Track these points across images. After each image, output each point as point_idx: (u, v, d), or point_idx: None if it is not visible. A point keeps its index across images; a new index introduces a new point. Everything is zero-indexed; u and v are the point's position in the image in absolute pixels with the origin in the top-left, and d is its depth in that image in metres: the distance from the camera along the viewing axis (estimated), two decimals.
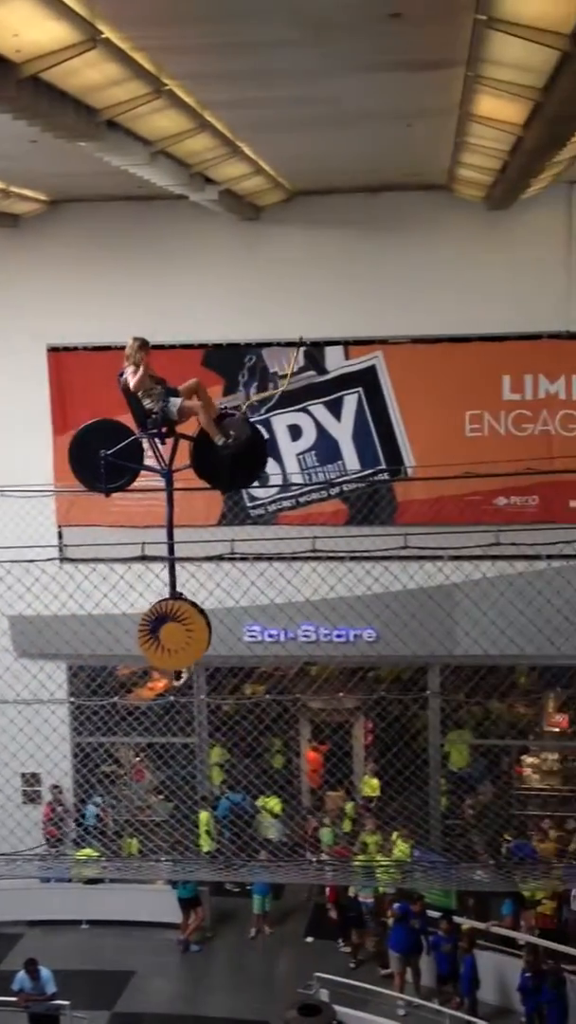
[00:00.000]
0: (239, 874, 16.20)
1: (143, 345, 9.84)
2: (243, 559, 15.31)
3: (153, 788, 20.89)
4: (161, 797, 20.57)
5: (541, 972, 15.24)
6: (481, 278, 18.27)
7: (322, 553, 15.64)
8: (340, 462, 19.04)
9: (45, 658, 17.62)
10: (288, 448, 18.85)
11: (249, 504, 19.16)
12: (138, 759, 21.03)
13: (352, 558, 15.65)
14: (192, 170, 14.06)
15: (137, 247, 18.94)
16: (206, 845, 18.45)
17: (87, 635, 16.16)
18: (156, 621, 9.86)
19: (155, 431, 9.86)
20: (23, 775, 19.62)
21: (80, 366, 19.27)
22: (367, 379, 18.83)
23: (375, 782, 19.53)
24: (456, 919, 16.51)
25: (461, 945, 15.99)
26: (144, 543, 15.07)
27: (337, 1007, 15.26)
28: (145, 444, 10.27)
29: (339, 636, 18.66)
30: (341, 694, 18.74)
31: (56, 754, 17.08)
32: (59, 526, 19.34)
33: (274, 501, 19.21)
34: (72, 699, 19.32)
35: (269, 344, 18.91)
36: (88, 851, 18.34)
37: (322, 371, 18.91)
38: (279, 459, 18.76)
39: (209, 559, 13.59)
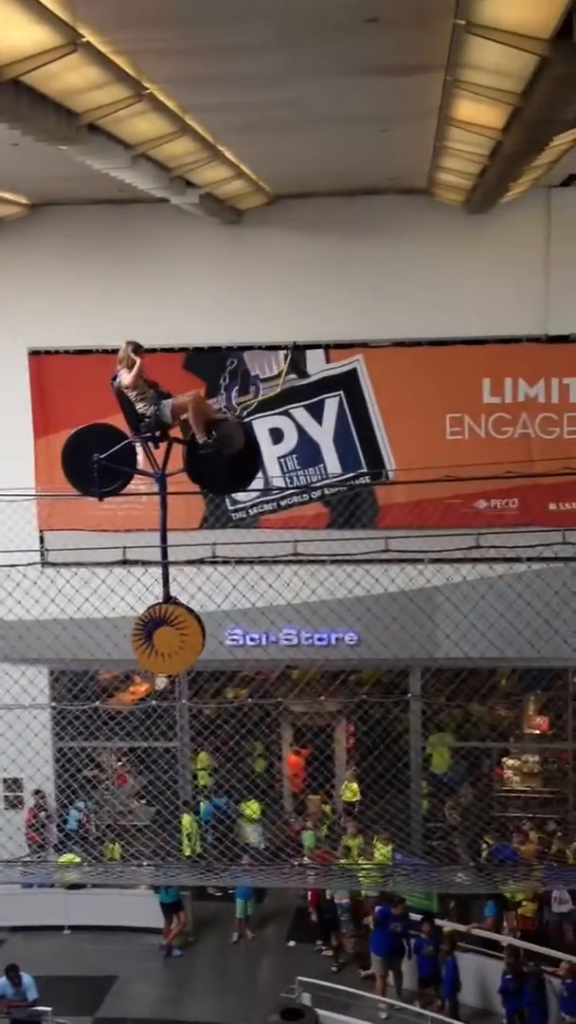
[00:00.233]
0: (221, 878, 16.18)
1: (137, 348, 9.83)
2: (224, 563, 15.31)
3: (135, 792, 20.85)
4: (143, 801, 20.53)
5: (522, 974, 15.28)
6: (461, 282, 18.36)
7: (303, 556, 15.67)
8: (321, 465, 19.08)
9: (26, 662, 17.55)
10: (269, 451, 18.86)
11: (230, 508, 19.17)
12: (120, 763, 20.99)
13: (333, 561, 15.70)
14: (173, 174, 14.08)
15: (118, 251, 18.94)
16: (188, 849, 18.43)
17: (69, 639, 16.12)
18: (150, 625, 9.81)
19: (148, 435, 9.85)
20: (4, 780, 19.58)
21: (62, 369, 19.27)
22: (348, 382, 18.88)
23: (355, 786, 19.57)
24: (438, 922, 16.54)
25: (443, 948, 16.02)
26: (125, 547, 15.08)
27: (319, 1011, 15.25)
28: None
29: (320, 639, 18.69)
30: (323, 697, 18.75)
31: (38, 759, 17.02)
32: (41, 530, 19.29)
33: (255, 505, 19.22)
34: (54, 703, 19.27)
35: (251, 347, 18.95)
36: (70, 856, 18.28)
37: (303, 374, 18.95)
38: (260, 462, 18.77)
39: (191, 563, 13.58)
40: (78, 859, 17.97)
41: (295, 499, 19.22)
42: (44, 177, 15.62)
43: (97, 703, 18.19)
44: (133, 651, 9.96)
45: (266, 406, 18.78)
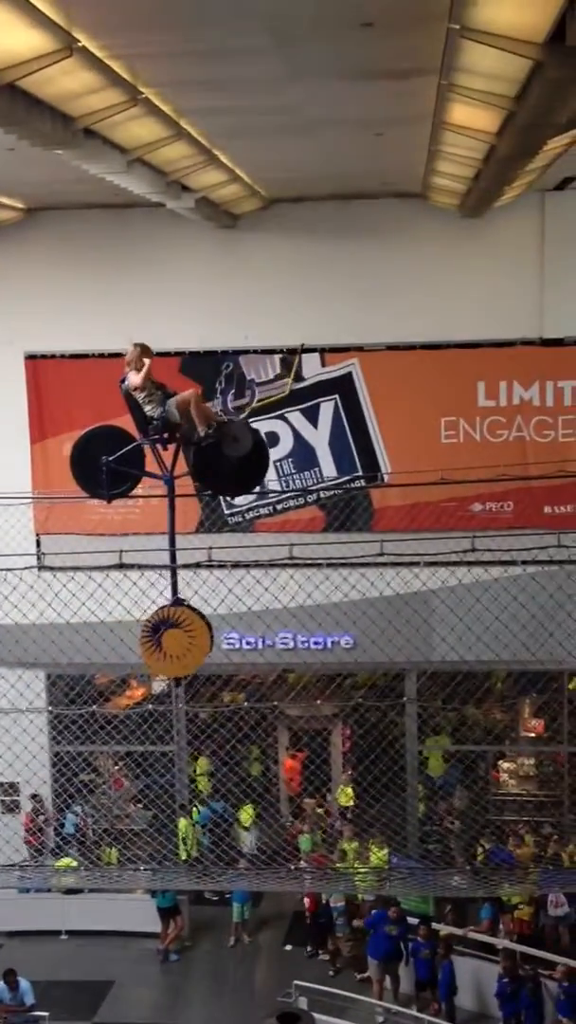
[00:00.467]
0: (218, 882, 16.18)
1: (145, 350, 9.85)
2: (220, 566, 15.33)
3: (132, 797, 20.84)
4: (140, 806, 20.52)
5: (518, 977, 15.28)
6: (455, 285, 18.41)
7: (299, 560, 15.68)
8: (317, 469, 19.10)
9: (23, 666, 17.54)
10: None
11: (226, 511, 19.19)
12: (117, 768, 20.98)
13: (329, 565, 15.72)
14: (169, 178, 14.11)
15: (114, 255, 18.97)
16: (184, 854, 18.42)
17: (65, 643, 16.12)
18: (157, 627, 9.81)
19: (156, 437, 9.85)
20: (1, 784, 19.56)
21: (58, 374, 19.30)
22: (343, 386, 18.91)
23: (349, 791, 19.59)
24: (434, 925, 16.53)
25: (439, 951, 16.02)
26: (122, 551, 15.10)
27: (316, 1015, 15.23)
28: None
29: (316, 643, 18.69)
30: (319, 701, 18.76)
31: (35, 763, 17.01)
32: (37, 534, 19.30)
33: (251, 508, 19.24)
34: (51, 708, 19.26)
35: (246, 351, 18.98)
36: (67, 861, 18.27)
37: (299, 378, 18.97)
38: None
39: (186, 566, 13.58)
40: (75, 863, 17.97)
41: (291, 503, 19.24)
42: (40, 181, 15.65)
43: (94, 707, 18.17)
44: (141, 653, 9.94)
45: (261, 410, 18.80)
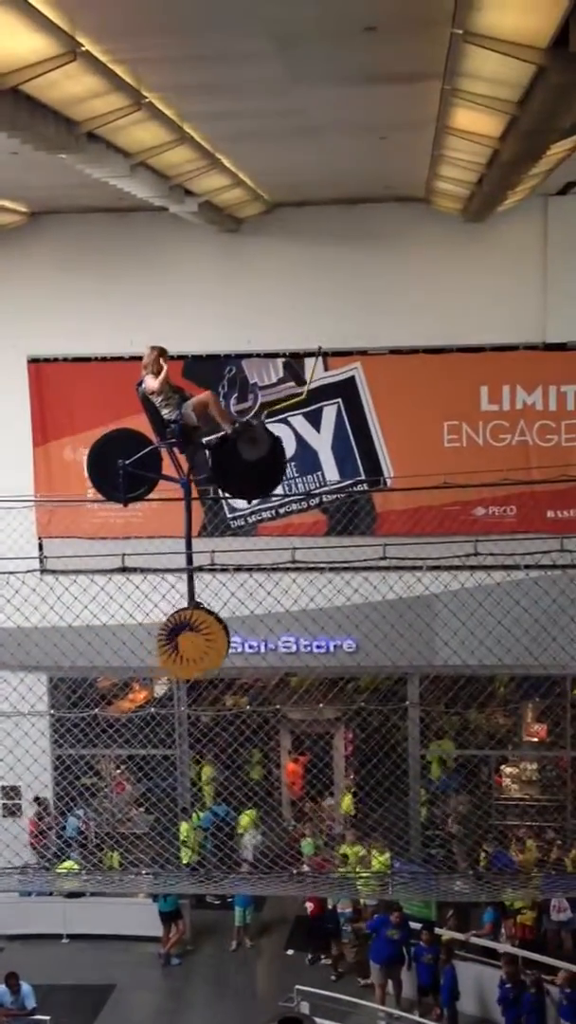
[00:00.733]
0: (220, 886, 16.15)
1: (162, 353, 9.84)
2: (223, 570, 15.31)
3: (134, 800, 20.82)
4: (142, 809, 20.50)
5: (520, 983, 15.24)
6: (459, 290, 18.41)
7: (302, 564, 15.65)
8: (319, 473, 19.10)
9: (25, 670, 17.54)
10: None
11: (229, 515, 19.18)
12: (119, 771, 20.97)
13: (332, 569, 15.69)
14: (172, 182, 14.11)
15: (118, 259, 18.98)
16: (186, 857, 18.40)
17: (67, 647, 16.12)
18: (174, 631, 9.78)
19: (174, 440, 9.84)
20: (3, 788, 19.56)
21: (61, 377, 19.30)
22: (346, 390, 18.90)
23: (348, 798, 19.58)
24: (436, 930, 16.50)
25: (441, 956, 15.99)
26: (124, 554, 15.08)
27: (318, 1019, 15.22)
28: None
29: (319, 647, 18.69)
30: (321, 705, 18.74)
31: (36, 767, 17.00)
32: (40, 537, 19.30)
33: (254, 512, 19.24)
34: (52, 711, 19.25)
35: (249, 355, 18.98)
36: (69, 864, 18.26)
37: (301, 382, 18.95)
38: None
39: (189, 570, 13.56)
40: (77, 867, 17.95)
41: (293, 507, 19.24)
42: (43, 185, 15.67)
43: (96, 711, 18.17)
44: (158, 656, 9.92)
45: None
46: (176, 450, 9.96)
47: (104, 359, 19.09)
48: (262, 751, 20.77)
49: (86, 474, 10.44)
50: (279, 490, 18.79)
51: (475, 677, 18.03)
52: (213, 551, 15.78)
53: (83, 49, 8.52)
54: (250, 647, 18.81)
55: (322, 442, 19.05)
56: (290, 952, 18.23)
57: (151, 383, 9.74)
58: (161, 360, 9.77)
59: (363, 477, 19.03)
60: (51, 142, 10.41)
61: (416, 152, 13.53)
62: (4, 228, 18.86)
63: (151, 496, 10.77)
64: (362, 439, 18.97)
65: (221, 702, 20.31)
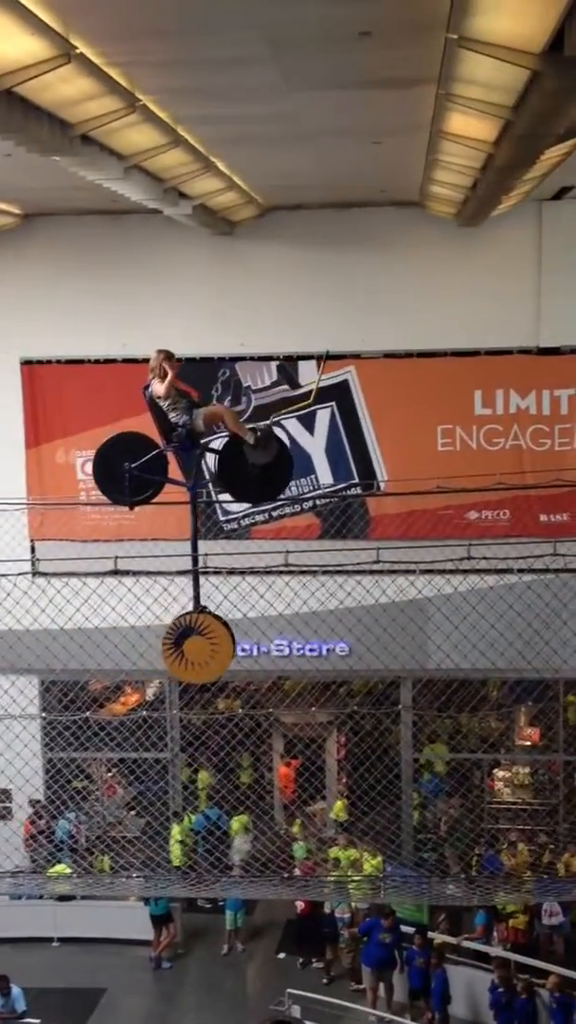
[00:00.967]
0: (211, 890, 16.12)
1: (168, 356, 9.83)
2: (216, 573, 15.29)
3: (125, 804, 20.78)
4: (133, 813, 20.46)
5: (512, 987, 15.24)
6: (453, 294, 18.43)
7: (295, 567, 15.66)
8: (313, 476, 19.09)
9: (17, 672, 17.50)
10: None
11: (222, 518, 19.17)
12: (110, 774, 20.92)
13: (325, 572, 15.69)
14: (166, 185, 14.11)
15: (111, 261, 18.97)
16: (177, 859, 18.36)
17: (59, 649, 16.09)
18: (180, 635, 9.75)
19: (179, 444, 9.82)
20: None
21: (54, 379, 19.28)
22: (340, 393, 18.90)
23: (339, 804, 19.56)
24: (429, 934, 16.50)
25: (432, 960, 15.98)
26: (116, 557, 15.08)
27: (309, 1023, 15.20)
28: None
29: (312, 650, 18.68)
30: (314, 708, 18.73)
31: (27, 770, 16.96)
32: (32, 540, 19.27)
33: (247, 515, 19.22)
34: (44, 714, 19.21)
35: (243, 358, 18.98)
36: (60, 867, 18.21)
37: (295, 385, 18.96)
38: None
39: (182, 573, 13.56)
40: (68, 870, 17.91)
41: (287, 510, 19.22)
42: (37, 187, 15.65)
43: (87, 714, 18.13)
44: (163, 661, 9.89)
45: (258, 417, 18.73)
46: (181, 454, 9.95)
47: (97, 361, 19.09)
48: (253, 755, 20.74)
49: (89, 476, 10.38)
50: None
51: (468, 681, 18.03)
52: (206, 554, 15.78)
53: (77, 52, 8.52)
54: (243, 650, 18.74)
55: (316, 445, 19.05)
56: (281, 956, 18.19)
57: (158, 387, 9.73)
58: (166, 364, 9.75)
59: (357, 480, 19.03)
60: (45, 144, 10.40)
61: (411, 156, 13.55)
62: None
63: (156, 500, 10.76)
64: (356, 442, 18.97)
65: (213, 705, 20.28)
